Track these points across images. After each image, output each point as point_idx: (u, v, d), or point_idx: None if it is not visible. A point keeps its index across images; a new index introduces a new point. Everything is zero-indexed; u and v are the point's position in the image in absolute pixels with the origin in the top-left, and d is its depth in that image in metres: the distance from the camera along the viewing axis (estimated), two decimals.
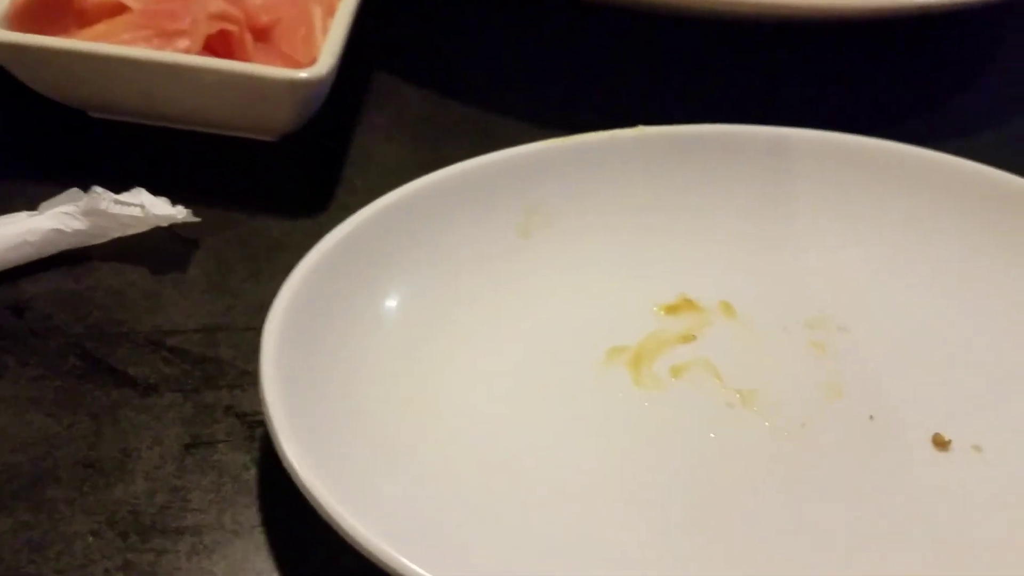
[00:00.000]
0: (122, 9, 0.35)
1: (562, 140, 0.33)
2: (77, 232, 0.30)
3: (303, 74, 0.32)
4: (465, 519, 0.24)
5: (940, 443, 0.27)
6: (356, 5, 0.35)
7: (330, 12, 0.36)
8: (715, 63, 0.41)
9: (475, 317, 0.29)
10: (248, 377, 0.27)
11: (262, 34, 0.36)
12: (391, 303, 0.28)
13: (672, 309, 0.31)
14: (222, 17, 0.34)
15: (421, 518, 0.23)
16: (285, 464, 0.22)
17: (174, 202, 0.31)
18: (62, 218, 0.30)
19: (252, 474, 0.26)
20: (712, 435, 0.27)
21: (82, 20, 0.35)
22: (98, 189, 0.30)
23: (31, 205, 0.31)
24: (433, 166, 0.31)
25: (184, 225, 0.31)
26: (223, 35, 0.34)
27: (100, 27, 0.35)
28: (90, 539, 0.24)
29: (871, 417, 0.28)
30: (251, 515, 0.25)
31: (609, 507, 0.25)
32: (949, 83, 0.43)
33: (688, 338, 0.30)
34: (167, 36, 0.34)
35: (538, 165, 0.32)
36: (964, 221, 0.32)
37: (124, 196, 0.30)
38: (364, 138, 0.37)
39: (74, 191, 0.31)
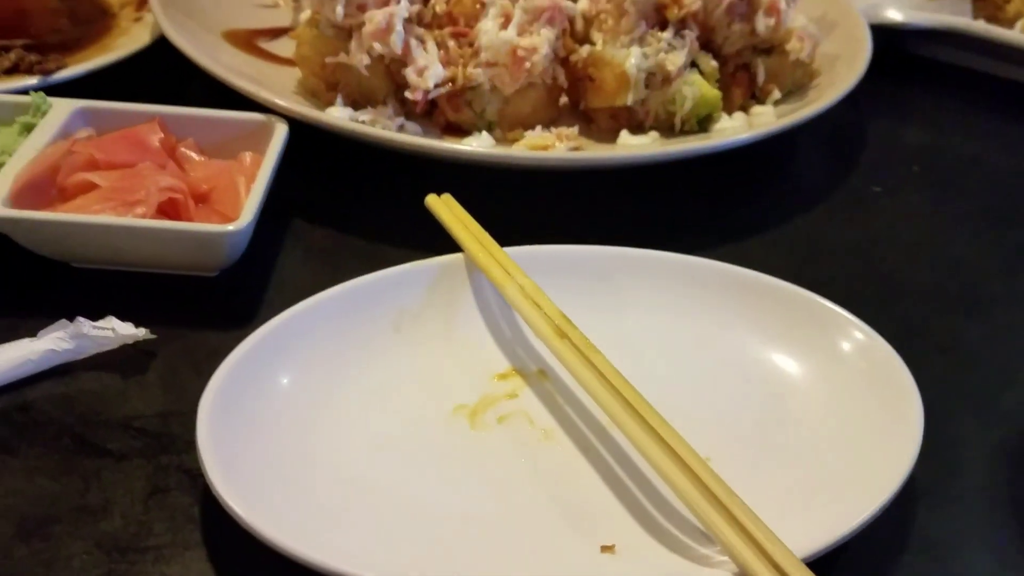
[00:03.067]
0: (93, 186, 0.47)
1: (423, 261, 0.44)
2: (66, 351, 0.41)
3: (231, 227, 0.44)
4: (344, 518, 0.34)
5: None
6: (271, 175, 0.48)
7: (252, 179, 0.48)
8: (546, 196, 0.54)
9: (362, 384, 0.40)
10: (192, 445, 0.38)
11: (202, 198, 0.48)
12: (295, 379, 0.39)
13: (503, 376, 0.42)
14: (170, 189, 0.46)
15: (311, 520, 0.34)
16: (214, 492, 0.33)
17: (136, 324, 0.42)
18: (55, 341, 0.41)
19: (196, 510, 0.36)
20: (523, 460, 0.38)
21: (63, 196, 0.47)
22: (81, 319, 0.41)
23: (32, 333, 0.41)
24: (333, 284, 0.42)
25: (144, 341, 0.42)
26: (172, 202, 0.46)
27: (77, 201, 0.46)
28: (84, 557, 0.34)
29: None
30: (196, 536, 0.35)
31: (452, 507, 0.36)
32: (722, 206, 0.56)
33: (512, 396, 0.41)
34: (128, 205, 0.45)
35: (407, 279, 0.44)
36: (726, 310, 0.44)
37: (100, 323, 0.41)
38: (283, 267, 0.48)
39: (63, 321, 0.41)
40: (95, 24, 0.66)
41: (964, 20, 0.69)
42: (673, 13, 0.57)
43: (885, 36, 0.68)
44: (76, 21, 0.66)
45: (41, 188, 0.46)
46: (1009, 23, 0.70)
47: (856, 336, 0.41)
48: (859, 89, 0.59)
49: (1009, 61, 0.68)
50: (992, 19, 0.70)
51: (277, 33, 0.65)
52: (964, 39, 0.68)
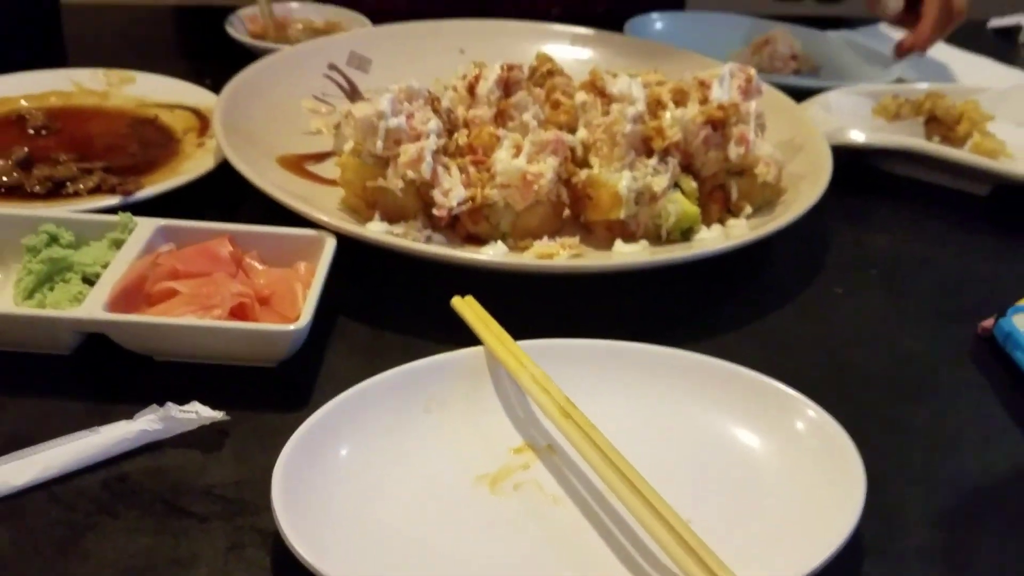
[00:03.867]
0: (175, 293, 0.56)
1: (449, 353, 0.53)
2: (156, 431, 0.49)
3: (292, 327, 0.52)
4: (389, 567, 0.42)
5: None
6: (323, 282, 0.57)
7: (307, 285, 0.57)
8: (552, 296, 0.63)
9: (400, 456, 0.48)
10: (262, 508, 0.46)
11: (265, 301, 0.57)
12: (345, 454, 0.47)
13: (518, 450, 0.50)
14: (240, 294, 0.55)
15: (364, 567, 0.41)
16: (287, 544, 0.41)
17: (214, 408, 0.50)
18: (148, 423, 0.49)
19: (268, 560, 0.43)
20: (536, 521, 0.46)
21: (150, 301, 0.56)
22: (170, 404, 0.49)
23: (127, 416, 0.49)
24: (373, 373, 0.50)
25: (220, 421, 0.50)
26: (241, 305, 0.55)
27: (163, 305, 0.55)
28: None
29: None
30: None
31: (476, 561, 0.43)
32: (703, 304, 0.64)
33: (526, 467, 0.49)
34: (206, 308, 0.54)
35: (435, 369, 0.52)
36: (704, 396, 0.52)
37: (185, 407, 0.50)
38: (331, 359, 0.57)
39: (154, 406, 0.50)
40: (162, 148, 0.76)
41: (919, 141, 0.79)
42: (658, 144, 0.66)
43: (849, 153, 0.78)
44: (145, 145, 0.77)
45: (132, 295, 0.55)
46: (960, 142, 0.79)
47: (811, 416, 0.49)
48: (825, 199, 0.69)
49: (959, 175, 0.78)
50: (944, 139, 0.80)
51: (321, 157, 0.76)
52: (919, 157, 0.78)
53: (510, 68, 0.71)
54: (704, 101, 0.70)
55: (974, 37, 1.13)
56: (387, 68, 0.90)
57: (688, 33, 1.03)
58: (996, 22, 1.17)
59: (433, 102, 0.68)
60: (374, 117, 0.64)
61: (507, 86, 0.71)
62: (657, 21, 1.06)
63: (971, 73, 1.02)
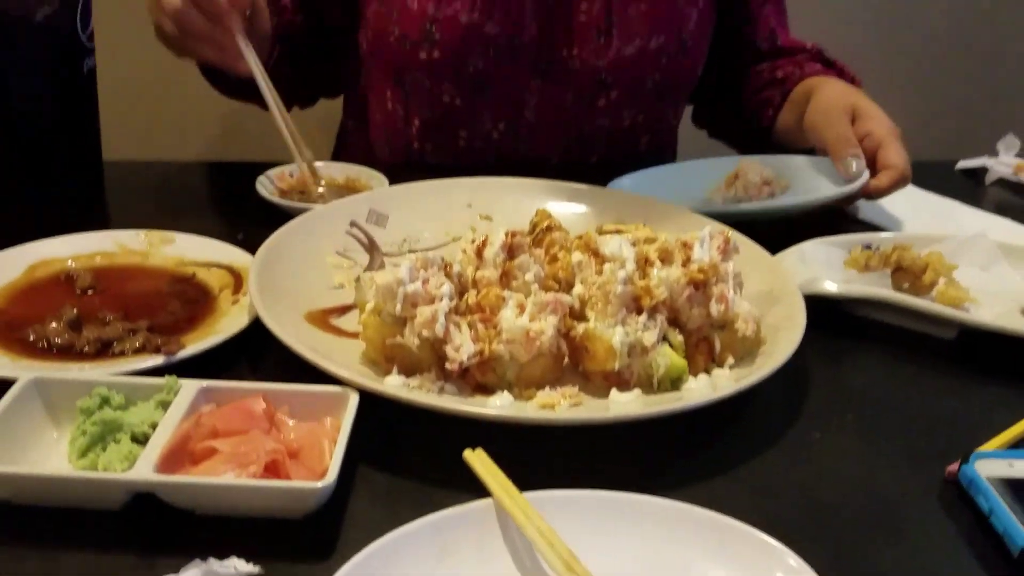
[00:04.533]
0: (215, 451, 0.62)
1: (462, 506, 0.58)
2: None
3: (320, 484, 0.58)
4: None
5: None
6: (348, 438, 0.63)
7: (333, 440, 0.63)
8: (553, 442, 0.69)
9: None
10: None
11: (294, 455, 0.63)
12: None
13: None
14: (273, 451, 0.61)
15: None
16: None
17: (248, 560, 0.55)
18: None
19: None
20: None
21: (193, 459, 0.62)
22: (212, 559, 0.55)
23: (174, 570, 0.55)
24: (394, 523, 0.56)
25: (256, 573, 0.55)
26: (274, 461, 0.61)
27: (205, 464, 0.61)
28: None
29: None
30: None
31: None
32: (691, 450, 0.70)
33: None
34: (243, 465, 0.60)
35: (448, 522, 0.57)
36: (691, 544, 0.57)
37: (224, 562, 0.55)
38: (354, 508, 0.62)
39: (196, 561, 0.55)
40: (200, 305, 0.84)
41: (887, 291, 0.85)
42: (646, 302, 0.74)
43: (825, 300, 0.85)
44: (184, 302, 0.84)
45: (177, 454, 0.61)
46: (926, 290, 0.86)
47: (791, 566, 0.55)
48: (803, 345, 0.75)
49: (926, 321, 0.84)
50: (911, 287, 0.87)
51: (344, 310, 0.83)
52: (889, 304, 0.85)
53: (513, 235, 0.79)
54: (687, 261, 0.78)
55: (943, 178, 1.22)
56: (402, 222, 0.98)
57: (668, 181, 1.11)
58: (964, 163, 1.25)
59: (446, 267, 0.76)
60: (394, 283, 0.72)
61: (511, 250, 0.79)
62: (639, 177, 1.13)
63: (941, 214, 1.10)
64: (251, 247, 0.87)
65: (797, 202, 1.03)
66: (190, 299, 0.84)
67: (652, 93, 1.20)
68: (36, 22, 0.88)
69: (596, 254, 0.79)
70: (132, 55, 1.41)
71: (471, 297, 0.75)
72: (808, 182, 1.05)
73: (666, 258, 0.80)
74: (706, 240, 0.79)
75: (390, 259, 0.92)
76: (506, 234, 0.79)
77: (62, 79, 0.92)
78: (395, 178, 1.07)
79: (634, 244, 0.82)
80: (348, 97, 1.38)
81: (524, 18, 1.15)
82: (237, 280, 0.86)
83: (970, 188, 1.21)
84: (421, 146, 1.25)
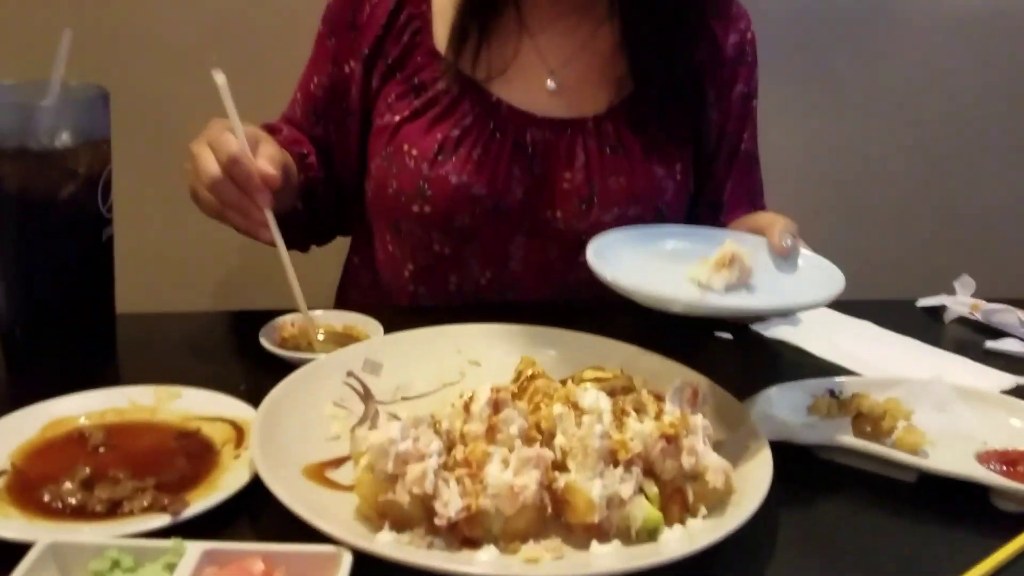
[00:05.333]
0: None
1: None
2: None
3: None
4: None
5: None
6: None
7: None
8: None
9: None
10: None
11: None
12: None
13: None
14: None
15: None
16: None
17: None
18: None
19: None
20: None
21: None
22: None
23: None
24: None
25: None
26: None
27: None
28: None
29: None
30: None
31: None
32: None
33: None
34: None
35: None
36: None
37: None
38: None
39: None
40: (204, 460, 0.88)
41: (848, 438, 0.90)
42: (622, 455, 0.78)
43: (791, 446, 0.90)
44: (189, 458, 0.88)
45: None
46: (885, 435, 0.91)
47: None
48: (771, 491, 0.79)
49: (888, 466, 0.89)
50: (872, 432, 0.91)
51: (340, 462, 0.87)
52: (852, 450, 0.90)
53: (498, 390, 0.85)
54: (660, 413, 0.83)
55: (905, 315, 1.29)
56: (395, 369, 1.04)
57: (650, 244, 1.09)
58: (923, 302, 1.32)
59: (435, 424, 0.81)
60: (386, 443, 0.76)
61: (495, 405, 0.84)
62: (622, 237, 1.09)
63: (902, 353, 1.16)
64: (253, 397, 0.92)
65: (803, 303, 0.97)
66: (195, 454, 0.88)
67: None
68: (60, 199, 0.95)
69: (576, 406, 0.85)
70: (147, 217, 1.51)
71: (459, 452, 0.80)
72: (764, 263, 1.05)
73: (641, 409, 0.85)
74: (677, 392, 0.84)
75: (384, 407, 0.97)
76: (491, 390, 0.85)
77: (82, 249, 0.99)
78: (390, 321, 1.13)
79: (611, 394, 0.87)
80: (355, 235, 1.47)
81: (510, 183, 1.25)
82: (239, 434, 0.91)
83: (930, 326, 1.27)
84: (415, 289, 1.32)
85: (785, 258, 1.04)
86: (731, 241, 1.00)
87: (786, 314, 1.06)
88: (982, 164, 2.02)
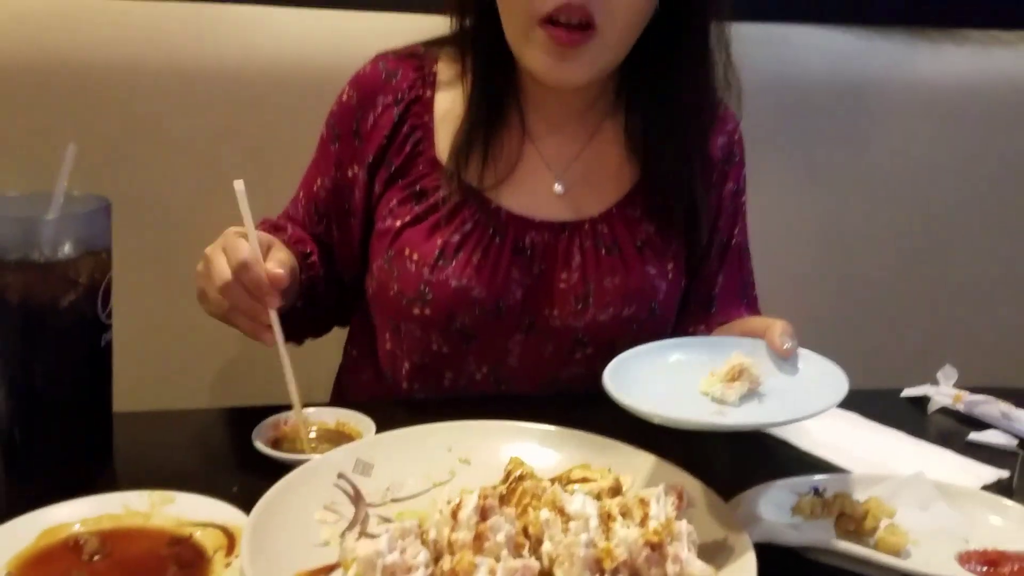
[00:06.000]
0: None
1: None
2: None
3: None
4: None
5: None
6: None
7: None
8: None
9: None
10: None
11: None
12: None
13: None
14: None
15: None
16: None
17: None
18: None
19: None
20: None
21: None
22: None
23: None
24: None
25: None
26: None
27: None
28: None
29: None
30: None
31: None
32: None
33: None
34: None
35: None
36: None
37: None
38: None
39: None
40: (195, 568, 0.89)
41: (831, 540, 0.90)
42: (608, 564, 0.79)
43: (776, 546, 0.90)
44: (181, 566, 0.89)
45: None
46: (868, 534, 0.92)
47: None
48: None
49: (869, 565, 0.90)
50: (855, 532, 0.92)
51: (330, 570, 0.88)
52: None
53: (485, 497, 0.86)
54: (645, 518, 0.84)
55: (890, 405, 1.30)
56: (386, 469, 1.05)
57: (657, 361, 1.08)
58: (908, 392, 1.34)
59: (422, 535, 0.82)
60: (374, 555, 0.78)
61: (483, 512, 0.85)
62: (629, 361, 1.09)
63: (885, 445, 1.18)
64: (247, 499, 0.93)
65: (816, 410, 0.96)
66: (186, 562, 0.89)
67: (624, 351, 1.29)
68: (61, 308, 0.98)
69: (562, 512, 0.86)
70: (145, 315, 1.54)
71: (446, 563, 0.81)
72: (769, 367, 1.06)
73: (627, 512, 0.86)
74: (661, 497, 0.86)
75: (374, 510, 0.98)
76: (479, 496, 0.86)
77: (81, 355, 1.02)
78: (386, 415, 1.15)
79: (598, 497, 0.88)
80: (353, 328, 1.49)
81: (510, 284, 1.28)
82: (231, 541, 0.91)
83: (915, 416, 1.29)
84: (410, 386, 1.34)
85: (786, 360, 1.06)
86: (737, 353, 1.03)
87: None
88: (964, 246, 2.06)
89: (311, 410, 1.19)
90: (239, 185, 1.08)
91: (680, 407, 0.97)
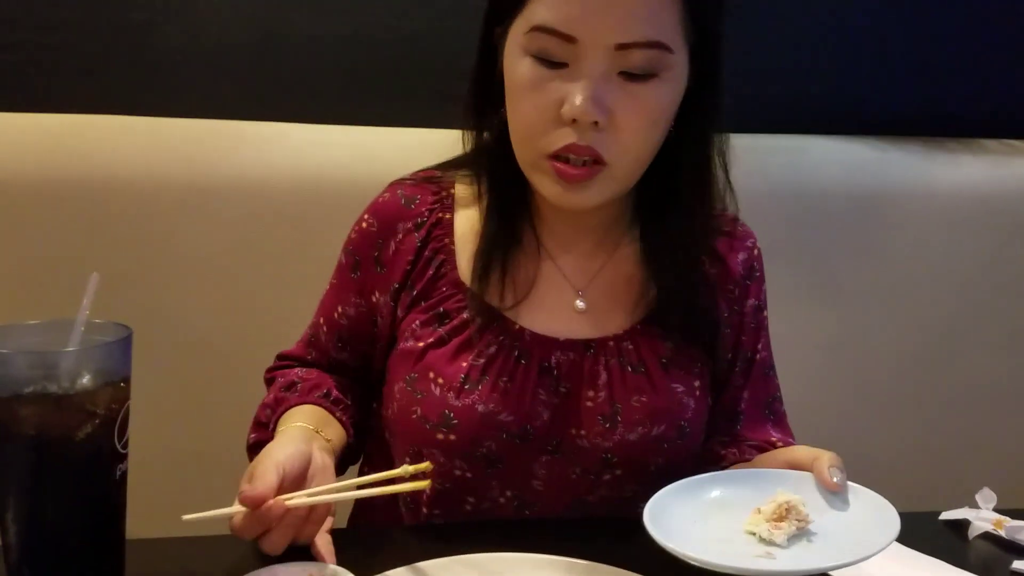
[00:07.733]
0: None
1: None
2: None
3: None
4: None
5: None
6: None
7: None
8: None
9: None
10: None
11: None
12: None
13: None
14: None
15: None
16: None
17: None
18: None
19: None
20: None
21: None
22: None
23: None
24: None
25: None
26: None
27: None
28: None
29: None
30: None
31: None
32: None
33: None
34: None
35: None
36: None
37: None
38: None
39: None
40: None
41: None
42: None
43: None
44: None
45: None
46: None
47: None
48: None
49: None
50: None
51: None
52: None
53: None
54: None
55: (928, 529, 1.25)
56: None
57: (697, 499, 1.04)
58: (946, 515, 1.29)
59: None
60: None
61: None
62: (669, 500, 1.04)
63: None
64: None
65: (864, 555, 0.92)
66: None
67: (654, 473, 1.26)
68: (77, 439, 0.95)
69: None
70: (160, 440, 1.51)
71: None
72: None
73: None
74: None
75: None
76: None
77: (95, 487, 0.98)
78: (405, 543, 1.11)
79: None
80: (370, 450, 1.45)
81: (536, 407, 1.25)
82: None
83: (955, 543, 1.23)
84: (430, 512, 1.30)
85: (835, 494, 1.02)
86: (782, 491, 0.99)
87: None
88: (982, 356, 2.03)
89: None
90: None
91: (726, 551, 0.92)
